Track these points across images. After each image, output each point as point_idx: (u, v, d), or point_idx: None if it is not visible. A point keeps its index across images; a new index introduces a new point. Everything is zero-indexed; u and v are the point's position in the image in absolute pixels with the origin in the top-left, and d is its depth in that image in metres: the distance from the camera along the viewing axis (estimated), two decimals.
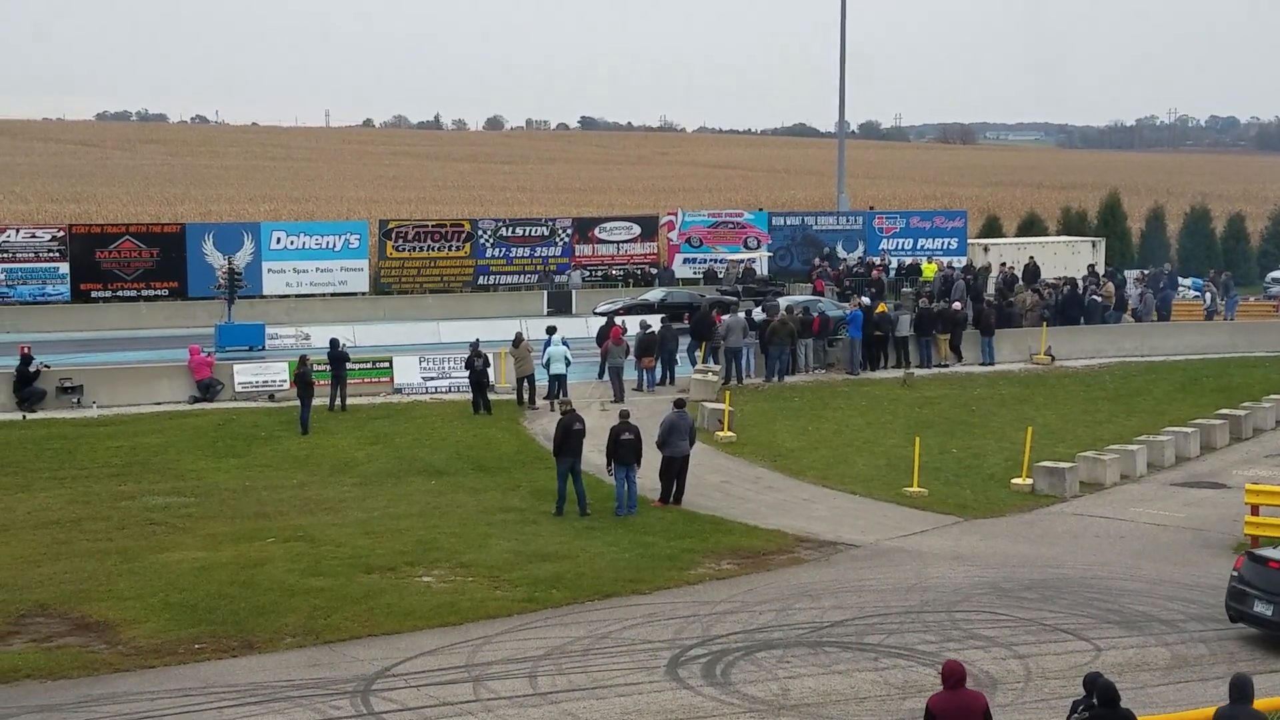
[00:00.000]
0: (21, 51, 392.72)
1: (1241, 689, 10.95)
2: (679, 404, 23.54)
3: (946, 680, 11.08)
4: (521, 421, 29.78)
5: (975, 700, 11.07)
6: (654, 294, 44.60)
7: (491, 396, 30.79)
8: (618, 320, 34.54)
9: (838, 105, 56.33)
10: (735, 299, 42.91)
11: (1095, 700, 11.03)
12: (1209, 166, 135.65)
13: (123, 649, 15.72)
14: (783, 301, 38.78)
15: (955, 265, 48.47)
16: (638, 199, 78.63)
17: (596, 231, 52.52)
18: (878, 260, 50.53)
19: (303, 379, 28.76)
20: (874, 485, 24.76)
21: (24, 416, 29.45)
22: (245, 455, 26.47)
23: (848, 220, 55.31)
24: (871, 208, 61.78)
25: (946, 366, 36.47)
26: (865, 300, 38.64)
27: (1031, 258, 49.04)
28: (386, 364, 33.56)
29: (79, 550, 19.65)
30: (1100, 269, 48.64)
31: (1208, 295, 45.74)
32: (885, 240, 54.36)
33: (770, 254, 52.46)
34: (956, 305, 38.14)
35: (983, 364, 36.87)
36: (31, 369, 30.33)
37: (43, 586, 17.78)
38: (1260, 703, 11.19)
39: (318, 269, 48.57)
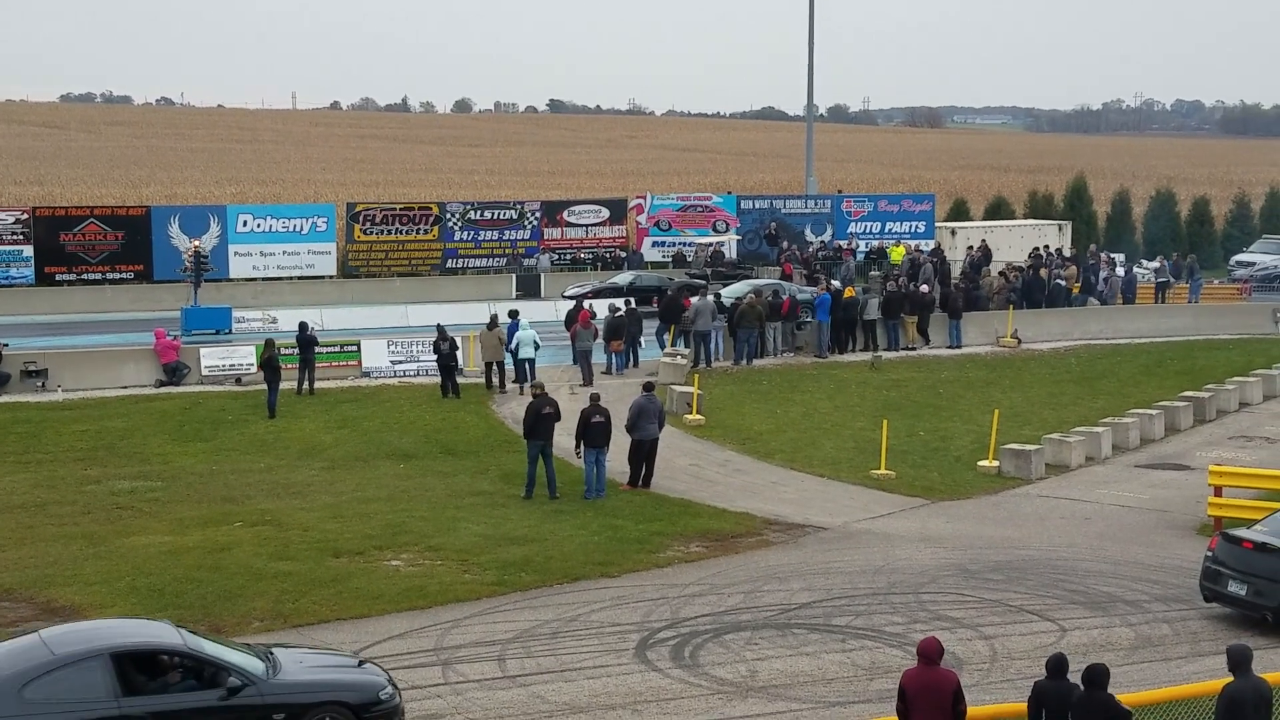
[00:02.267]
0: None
1: (1241, 658, 11.00)
2: (648, 387, 23.57)
3: (921, 656, 11.19)
4: (490, 405, 29.75)
5: (946, 678, 11.19)
6: (623, 277, 44.59)
7: (460, 380, 30.74)
8: (585, 304, 34.54)
9: (806, 89, 56.50)
10: (704, 282, 42.98)
11: (1046, 672, 11.16)
12: (1174, 150, 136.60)
13: None
14: (743, 286, 38.86)
15: (923, 248, 48.66)
16: (606, 182, 78.55)
17: (565, 215, 52.44)
18: (845, 243, 50.69)
19: (270, 363, 28.62)
20: (842, 468, 24.90)
21: None
22: (212, 439, 26.35)
23: (816, 204, 55.42)
24: (840, 191, 61.94)
25: (914, 350, 36.65)
26: (835, 284, 38.77)
27: (984, 240, 49.30)
28: (354, 347, 33.44)
29: (45, 535, 19.55)
30: (1066, 251, 48.95)
31: (1149, 271, 46.29)
32: (853, 223, 54.51)
33: (739, 237, 52.52)
34: (924, 288, 38.32)
35: (950, 347, 37.08)
36: None
37: (8, 571, 17.69)
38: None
39: (285, 252, 48.30)
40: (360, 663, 13.62)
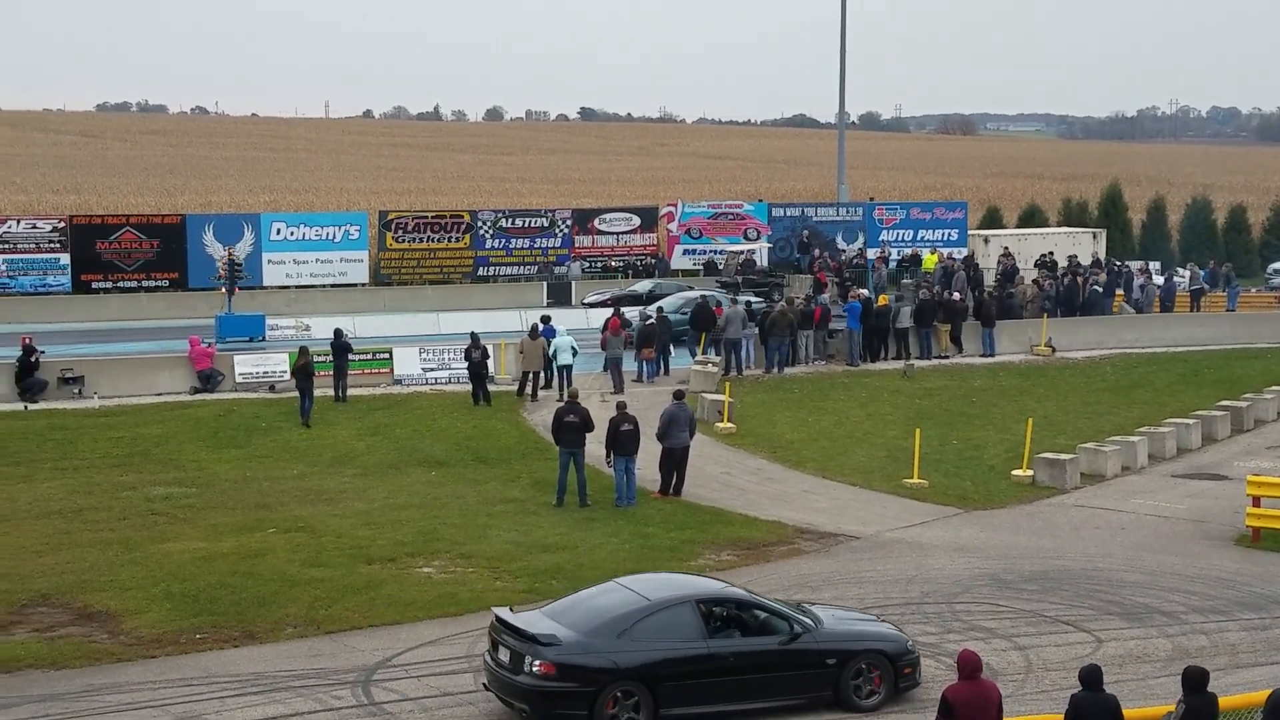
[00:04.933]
0: (22, 42, 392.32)
1: (1197, 680, 10.93)
2: (678, 395, 23.54)
3: (963, 670, 11.14)
4: (521, 413, 29.78)
5: (991, 690, 11.16)
6: (643, 285, 44.53)
7: (491, 388, 30.79)
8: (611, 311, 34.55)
9: (838, 96, 56.30)
10: (736, 289, 42.89)
11: (1080, 683, 11.06)
12: (1210, 157, 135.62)
13: (125, 639, 15.76)
14: (670, 301, 38.81)
15: (956, 256, 48.46)
16: (637, 190, 78.60)
17: (596, 223, 52.49)
18: (877, 251, 50.54)
19: (303, 370, 28.64)
20: (874, 477, 24.78)
21: (25, 407, 29.45)
22: (246, 446, 26.47)
23: (848, 211, 55.27)
24: (872, 199, 61.73)
25: (947, 358, 36.46)
26: (865, 292, 38.63)
27: (1005, 248, 49.04)
28: (386, 355, 33.53)
29: (81, 540, 19.68)
30: (1099, 259, 48.63)
31: (1183, 278, 45.89)
32: (885, 231, 54.32)
33: (770, 245, 52.42)
34: (956, 296, 38.13)
35: (983, 355, 36.86)
36: (33, 359, 30.33)
37: (45, 576, 17.81)
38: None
39: (318, 260, 48.53)
40: (879, 619, 15.30)
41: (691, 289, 42.83)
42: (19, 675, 14.62)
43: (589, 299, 42.96)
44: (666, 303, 38.63)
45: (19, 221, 46.18)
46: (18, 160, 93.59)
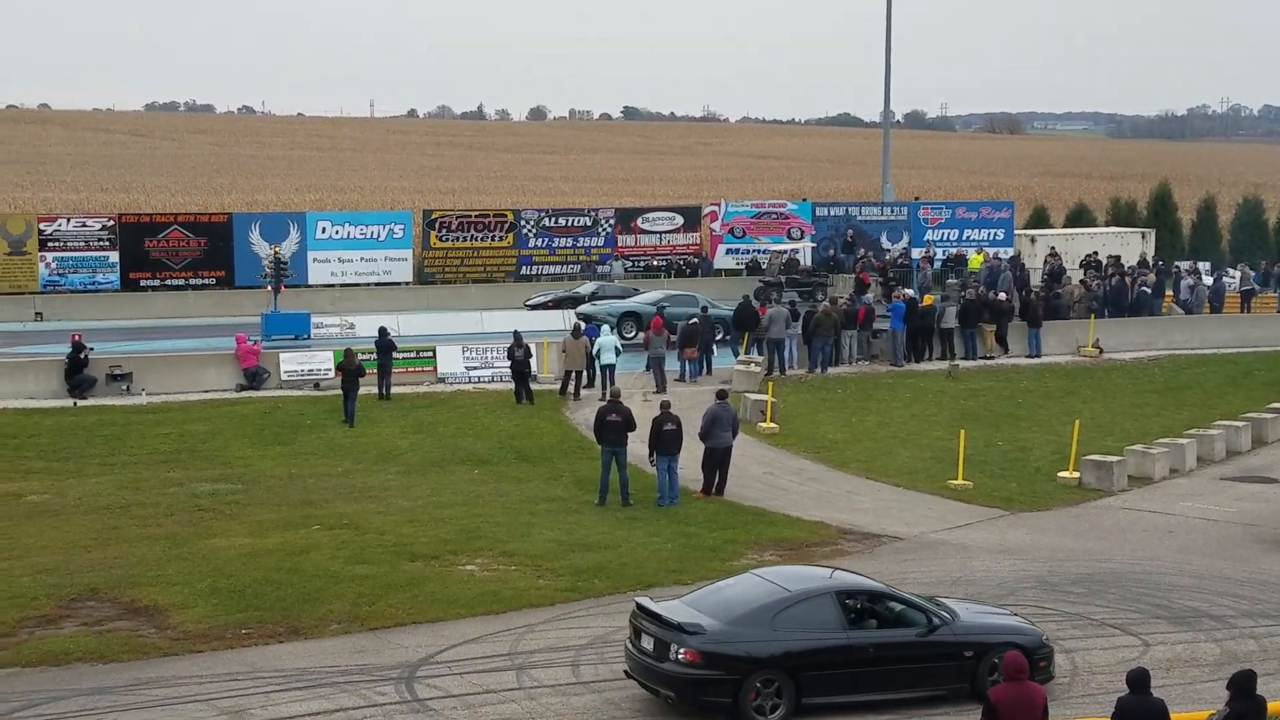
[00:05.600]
0: (72, 42, 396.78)
1: (1246, 683, 10.83)
2: (721, 395, 23.51)
3: (1008, 671, 11.07)
4: (564, 411, 29.83)
5: (1037, 693, 11.07)
6: (586, 288, 44.31)
7: (533, 386, 30.85)
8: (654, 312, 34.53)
9: (883, 95, 55.98)
10: (779, 288, 42.78)
11: (1127, 686, 10.96)
12: (1262, 156, 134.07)
13: (171, 633, 15.90)
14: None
15: (1002, 256, 48.12)
16: (680, 189, 78.58)
17: (639, 222, 52.48)
18: (922, 251, 50.25)
19: (349, 370, 28.73)
20: (918, 477, 24.64)
21: (75, 403, 29.79)
22: (291, 443, 26.65)
23: (892, 211, 54.98)
24: (916, 198, 61.39)
25: (992, 358, 36.20)
26: (910, 292, 38.42)
27: (1052, 248, 48.61)
28: (430, 353, 33.69)
29: (129, 535, 19.87)
30: (1148, 260, 48.16)
31: (1234, 279, 45.30)
32: (930, 231, 54.00)
33: (814, 245, 52.25)
34: (1002, 296, 37.84)
35: (1029, 356, 36.57)
36: (82, 356, 30.68)
37: (93, 571, 17.99)
38: None
39: (362, 259, 48.80)
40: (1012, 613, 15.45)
41: (638, 291, 42.96)
42: (68, 668, 14.79)
43: (530, 301, 42.93)
44: (601, 305, 38.64)
45: (69, 220, 46.71)
46: (69, 159, 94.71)
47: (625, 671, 14.14)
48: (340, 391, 28.80)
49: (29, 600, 16.69)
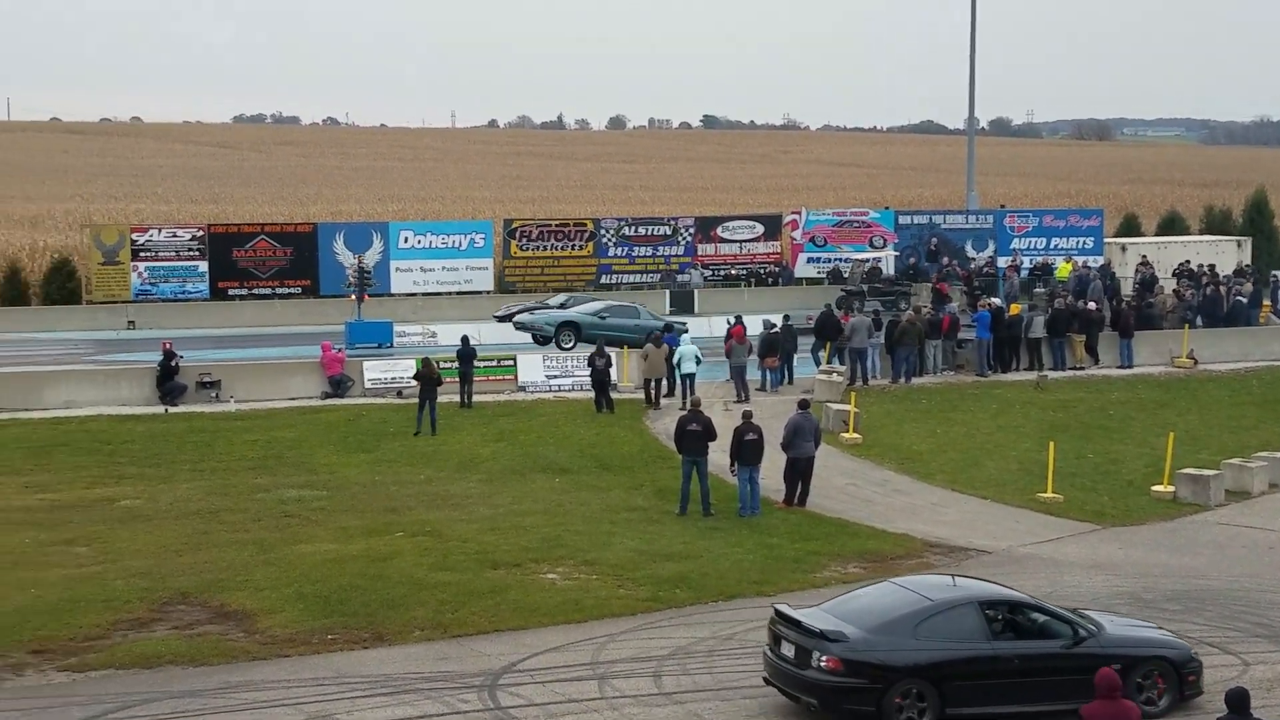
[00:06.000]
0: (163, 56, 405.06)
1: (1239, 701, 10.60)
2: (803, 405, 23.34)
3: (1101, 689, 10.83)
4: (645, 420, 29.79)
5: (1131, 711, 10.81)
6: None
7: (613, 395, 30.86)
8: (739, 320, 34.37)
9: (967, 101, 55.40)
10: (862, 298, 42.45)
11: (1226, 707, 10.67)
12: None
13: (259, 638, 16.08)
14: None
15: (1091, 265, 47.33)
16: (761, 198, 78.28)
17: (719, 231, 52.35)
18: (1009, 260, 49.61)
19: (427, 379, 28.69)
20: (1006, 490, 24.27)
21: (166, 410, 30.30)
22: (374, 450, 26.88)
23: (977, 219, 54.31)
24: (1002, 206, 60.61)
25: (1082, 369, 35.58)
26: (996, 301, 37.92)
27: (1144, 256, 47.63)
28: (511, 362, 33.83)
29: (218, 540, 20.14)
30: (1244, 268, 47.11)
31: None
32: (1017, 239, 53.25)
33: (897, 253, 51.78)
34: (1092, 305, 37.22)
35: (1120, 367, 35.89)
36: (173, 364, 31.20)
37: (185, 575, 18.25)
38: None
39: (444, 267, 49.21)
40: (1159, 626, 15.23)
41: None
42: (160, 671, 15.01)
43: (498, 313, 42.38)
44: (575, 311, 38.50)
45: (160, 230, 47.58)
46: (160, 171, 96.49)
47: (764, 678, 14.15)
48: (418, 401, 28.85)
49: (122, 603, 16.97)
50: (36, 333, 42.94)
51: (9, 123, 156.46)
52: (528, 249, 50.22)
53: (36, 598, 17.09)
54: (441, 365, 30.51)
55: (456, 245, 49.49)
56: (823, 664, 13.37)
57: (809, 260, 52.65)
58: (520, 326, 37.71)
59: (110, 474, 24.56)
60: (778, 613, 14.14)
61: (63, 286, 46.50)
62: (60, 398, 30.71)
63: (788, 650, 13.76)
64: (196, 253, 46.80)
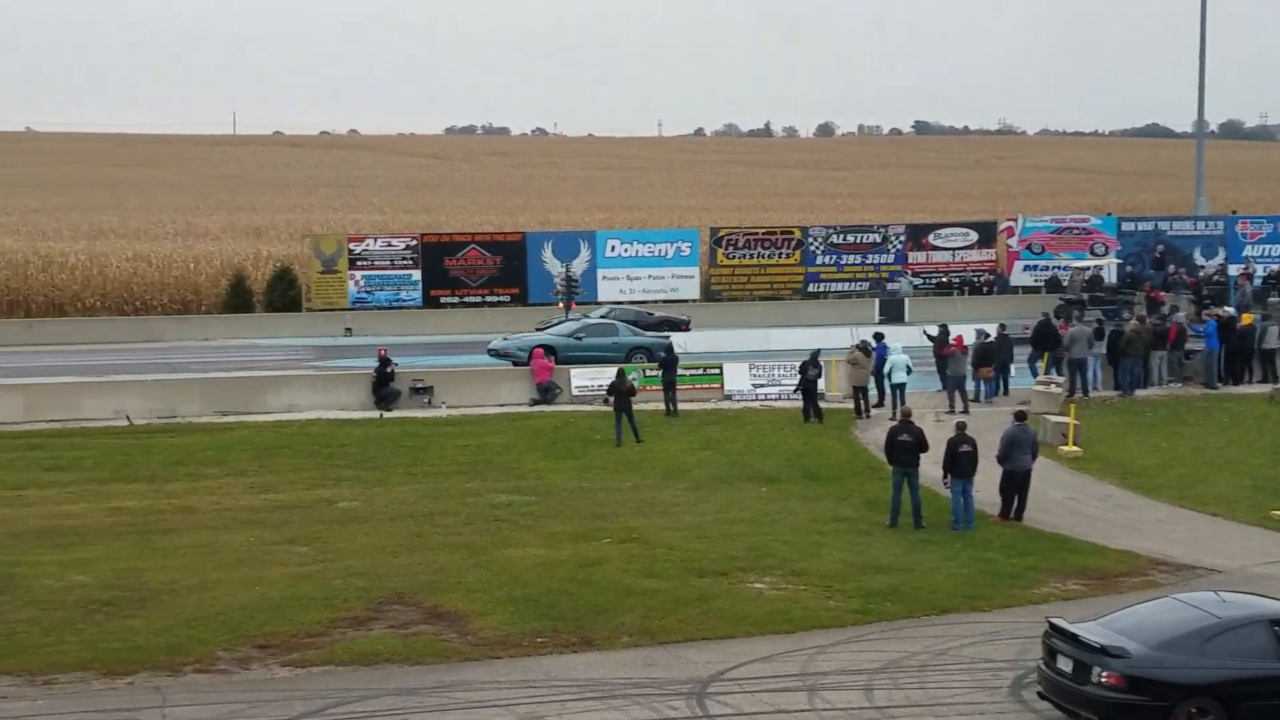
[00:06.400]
0: (375, 71, 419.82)
1: None
2: (1020, 416, 22.61)
3: None
4: (853, 430, 29.33)
5: None
6: (554, 319, 42.74)
7: (821, 405, 30.48)
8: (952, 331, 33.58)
9: (1196, 103, 53.07)
10: (1082, 306, 41.01)
11: None
12: None
13: (472, 639, 16.30)
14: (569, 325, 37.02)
15: None
16: (974, 204, 76.52)
17: (931, 238, 51.37)
18: (1240, 267, 47.28)
19: (620, 391, 28.55)
20: (1238, 507, 23.03)
21: (381, 415, 31.19)
22: (582, 457, 27.11)
23: (1206, 225, 51.97)
24: (1234, 212, 57.79)
25: None
26: (1229, 310, 36.14)
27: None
28: (717, 370, 33.77)
29: (431, 543, 20.56)
30: None
31: None
32: (1249, 246, 50.74)
33: (1119, 261, 49.88)
34: None
35: None
36: (388, 370, 32.12)
37: (399, 576, 18.68)
38: None
39: (650, 276, 49.52)
40: None
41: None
42: (377, 669, 15.37)
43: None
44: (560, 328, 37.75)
45: (376, 240, 49.16)
46: (375, 182, 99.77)
47: (1039, 693, 13.86)
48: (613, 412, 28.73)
49: (341, 602, 17.45)
50: (260, 339, 44.84)
51: (235, 137, 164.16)
52: (734, 257, 50.16)
53: (261, 595, 17.71)
54: (647, 372, 30.67)
55: (663, 254, 49.76)
56: (1104, 680, 13.03)
57: (1025, 268, 51.22)
58: (494, 353, 36.45)
59: (329, 476, 25.36)
60: (1053, 626, 13.78)
61: (284, 294, 48.48)
62: (282, 402, 31.94)
63: (1065, 665, 13.44)
64: (410, 261, 48.18)
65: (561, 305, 42.10)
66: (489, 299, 48.47)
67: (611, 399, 28.89)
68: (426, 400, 32.17)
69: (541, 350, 34.04)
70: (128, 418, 30.06)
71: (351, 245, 48.32)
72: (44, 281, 49.79)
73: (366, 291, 47.90)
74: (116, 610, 17.07)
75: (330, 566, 19.12)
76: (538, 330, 39.34)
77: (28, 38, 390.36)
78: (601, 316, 41.04)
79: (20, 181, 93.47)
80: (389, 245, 48.63)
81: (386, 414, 31.26)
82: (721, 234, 50.97)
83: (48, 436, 28.48)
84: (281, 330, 45.81)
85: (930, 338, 32.64)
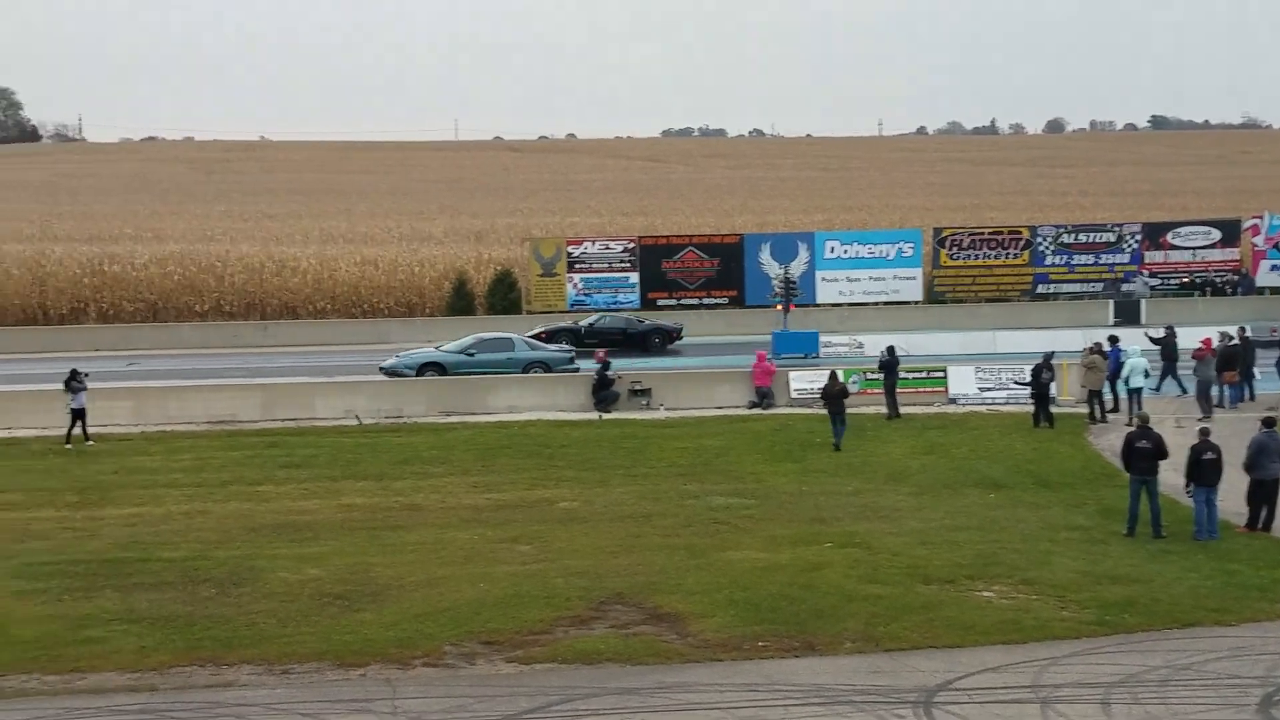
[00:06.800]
0: (592, 76, 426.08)
1: None
2: (1268, 423, 21.33)
3: None
4: (1086, 436, 28.23)
5: None
6: (586, 320, 43.18)
7: (1052, 409, 29.45)
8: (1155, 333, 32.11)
9: None
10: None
11: None
12: None
13: (692, 640, 16.23)
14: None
15: None
16: (1215, 202, 72.98)
17: (1169, 237, 49.20)
18: None
19: (831, 395, 28.02)
20: None
21: (600, 417, 31.50)
22: (801, 460, 26.80)
23: None
24: None
25: None
26: None
27: None
28: (941, 373, 33.02)
29: (650, 544, 20.59)
30: None
31: None
32: None
33: None
34: None
35: None
36: (609, 373, 32.43)
37: (619, 576, 18.75)
38: None
39: (871, 278, 48.85)
40: None
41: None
42: (599, 668, 15.44)
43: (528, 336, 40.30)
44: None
45: (594, 242, 49.78)
46: (593, 185, 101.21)
47: None
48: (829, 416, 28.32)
49: (563, 601, 17.60)
50: None
51: (457, 143, 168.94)
52: (958, 258, 49.03)
53: (485, 592, 18.00)
54: (868, 375, 30.19)
55: (884, 255, 49.01)
56: None
57: (1273, 268, 48.54)
58: (384, 371, 35.73)
59: (549, 476, 25.68)
60: None
61: (505, 297, 49.57)
62: (504, 403, 32.57)
63: None
64: (628, 264, 48.62)
65: (779, 308, 41.83)
66: (706, 301, 48.55)
67: (824, 403, 28.53)
68: (645, 402, 32.36)
69: (764, 354, 33.82)
70: (357, 417, 31.12)
71: (570, 248, 49.06)
72: (278, 285, 52.10)
73: (585, 294, 48.55)
74: (348, 604, 17.60)
75: (551, 566, 19.32)
76: (534, 335, 40.07)
77: (266, 54, 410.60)
78: (591, 323, 42.43)
79: (256, 189, 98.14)
80: (607, 248, 49.19)
81: (605, 416, 31.55)
82: (945, 234, 49.90)
83: (283, 435, 29.68)
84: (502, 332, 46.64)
85: (1155, 341, 31.24)
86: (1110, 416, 29.24)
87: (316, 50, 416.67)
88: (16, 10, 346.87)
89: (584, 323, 42.85)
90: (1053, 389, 29.85)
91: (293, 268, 53.29)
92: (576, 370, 35.24)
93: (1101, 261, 48.77)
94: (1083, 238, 49.31)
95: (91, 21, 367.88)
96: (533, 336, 40.00)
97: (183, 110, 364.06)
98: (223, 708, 14.26)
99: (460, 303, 49.82)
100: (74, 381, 28.60)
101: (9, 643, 16.05)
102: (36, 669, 15.31)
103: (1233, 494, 21.12)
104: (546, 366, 35.82)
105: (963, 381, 32.68)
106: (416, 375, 35.00)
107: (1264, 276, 48.44)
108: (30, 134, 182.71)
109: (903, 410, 30.49)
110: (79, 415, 28.34)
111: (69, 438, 28.29)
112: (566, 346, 38.12)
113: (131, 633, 16.40)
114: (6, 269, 52.92)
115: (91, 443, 28.26)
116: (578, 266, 48.62)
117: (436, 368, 35.51)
